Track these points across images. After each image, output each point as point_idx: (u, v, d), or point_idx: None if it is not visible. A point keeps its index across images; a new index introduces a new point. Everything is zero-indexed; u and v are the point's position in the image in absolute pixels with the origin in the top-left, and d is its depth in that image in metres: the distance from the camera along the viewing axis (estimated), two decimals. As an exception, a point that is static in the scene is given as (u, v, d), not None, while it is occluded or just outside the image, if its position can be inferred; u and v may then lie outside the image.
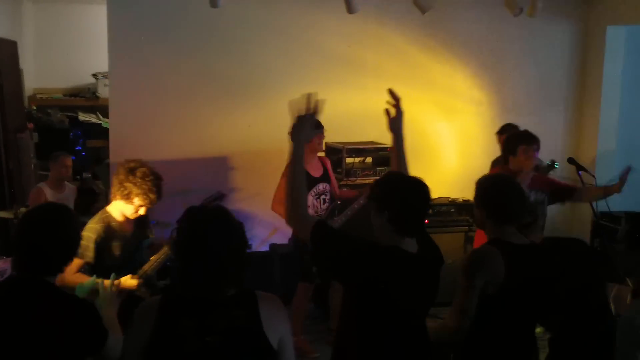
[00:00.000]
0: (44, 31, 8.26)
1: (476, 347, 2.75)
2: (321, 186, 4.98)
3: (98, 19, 6.63)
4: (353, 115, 6.13)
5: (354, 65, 6.17)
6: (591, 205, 4.77)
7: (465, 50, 6.43)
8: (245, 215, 5.84)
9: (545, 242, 3.25)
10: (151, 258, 3.70)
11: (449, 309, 2.75)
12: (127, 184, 3.53)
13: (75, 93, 8.34)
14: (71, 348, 2.25)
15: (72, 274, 3.47)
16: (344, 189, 5.42)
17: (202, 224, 2.10)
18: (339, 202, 5.08)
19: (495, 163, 5.30)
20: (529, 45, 6.63)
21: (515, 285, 2.68)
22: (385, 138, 6.09)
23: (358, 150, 5.92)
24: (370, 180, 5.26)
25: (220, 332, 2.03)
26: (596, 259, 3.52)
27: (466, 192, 4.88)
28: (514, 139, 4.40)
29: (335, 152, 5.75)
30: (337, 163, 5.66)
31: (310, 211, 4.92)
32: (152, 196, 3.56)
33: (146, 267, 3.66)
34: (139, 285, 3.59)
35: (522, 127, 5.05)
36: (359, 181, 5.67)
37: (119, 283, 3.49)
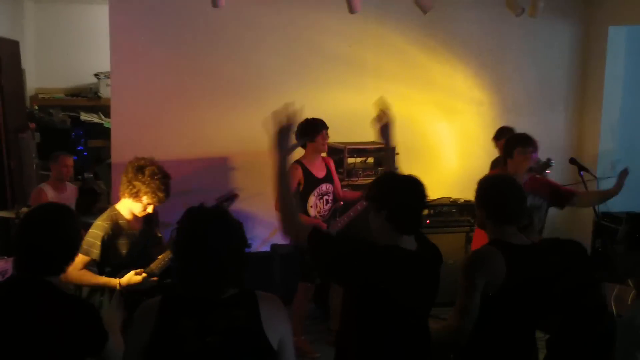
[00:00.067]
0: (46, 31, 8.28)
1: (476, 348, 2.75)
2: (324, 187, 4.97)
3: (100, 18, 6.64)
4: (354, 115, 6.12)
5: (355, 65, 6.17)
6: (602, 204, 4.76)
7: (466, 51, 6.43)
8: (246, 216, 5.84)
9: (542, 242, 3.25)
10: (159, 257, 3.70)
11: (450, 309, 2.75)
12: (136, 182, 3.53)
13: (77, 93, 8.35)
14: (71, 348, 2.26)
15: (78, 270, 3.48)
16: (346, 189, 5.42)
17: (202, 224, 2.11)
18: (342, 203, 5.07)
19: (494, 164, 5.30)
20: (529, 45, 6.63)
21: (516, 285, 2.69)
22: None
23: (359, 150, 5.91)
24: (372, 180, 5.26)
25: (220, 332, 2.03)
26: (594, 259, 3.53)
27: (467, 193, 4.87)
28: (511, 142, 4.42)
29: (337, 152, 5.74)
30: (339, 163, 5.65)
31: (313, 212, 4.92)
32: (160, 194, 3.57)
33: (153, 265, 3.67)
34: (144, 280, 3.57)
35: (523, 128, 5.03)
36: (361, 181, 5.66)
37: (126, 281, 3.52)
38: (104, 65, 6.83)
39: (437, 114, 6.48)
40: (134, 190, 3.55)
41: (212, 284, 2.08)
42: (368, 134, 6.22)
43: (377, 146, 6.03)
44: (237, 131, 5.96)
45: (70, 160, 5.70)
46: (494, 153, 5.53)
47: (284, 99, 5.65)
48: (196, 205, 2.19)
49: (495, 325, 2.72)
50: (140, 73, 5.75)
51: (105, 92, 7.81)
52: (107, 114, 7.16)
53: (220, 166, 6.01)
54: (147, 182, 3.53)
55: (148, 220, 3.77)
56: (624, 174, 4.38)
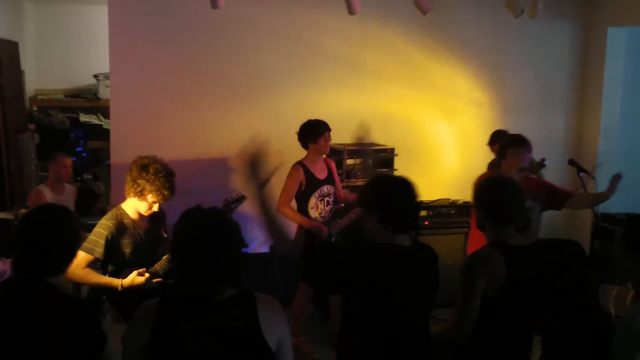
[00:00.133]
0: (45, 32, 8.28)
1: (475, 348, 2.75)
2: (325, 188, 4.97)
3: (99, 19, 6.64)
4: (353, 116, 6.13)
5: (355, 66, 6.17)
6: (595, 206, 4.77)
7: (466, 52, 6.43)
8: (246, 216, 5.84)
9: (538, 243, 3.26)
10: (163, 257, 3.70)
11: (450, 310, 2.76)
12: (140, 181, 3.53)
13: (76, 94, 8.35)
14: (70, 349, 2.25)
15: (81, 269, 3.48)
16: (345, 190, 5.42)
17: (199, 225, 2.11)
18: (343, 205, 5.07)
19: (491, 166, 5.30)
20: (529, 46, 6.63)
21: (516, 286, 2.69)
22: (384, 139, 6.15)
23: (359, 151, 5.92)
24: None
25: (219, 334, 2.03)
26: (593, 260, 3.53)
27: (466, 194, 4.87)
28: (503, 143, 4.43)
29: (336, 154, 5.74)
30: (338, 164, 5.65)
31: (314, 213, 4.92)
32: (165, 192, 3.56)
33: (157, 265, 3.66)
34: (147, 281, 3.56)
35: (522, 129, 5.03)
36: (360, 182, 5.66)
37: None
38: (103, 67, 6.83)
39: (436, 114, 6.48)
40: (139, 188, 3.55)
41: (210, 285, 2.08)
42: (367, 135, 6.26)
43: (377, 147, 6.04)
44: (236, 132, 5.96)
45: (68, 161, 5.70)
46: (492, 155, 5.53)
47: (284, 100, 5.70)
48: (193, 206, 2.19)
49: (495, 326, 2.72)
50: (139, 74, 5.74)
51: (104, 93, 7.81)
52: (107, 115, 7.16)
53: (220, 167, 6.00)
54: (151, 180, 3.52)
55: (154, 220, 3.76)
56: (616, 178, 4.38)
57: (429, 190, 6.06)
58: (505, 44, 6.56)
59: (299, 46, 6.04)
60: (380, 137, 6.17)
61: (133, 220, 3.66)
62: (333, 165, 5.15)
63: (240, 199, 3.96)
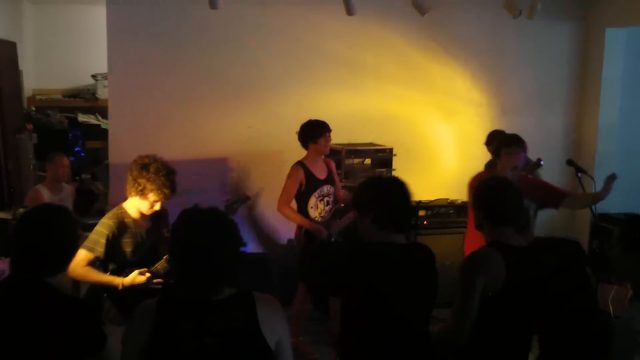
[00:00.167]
0: (44, 32, 8.27)
1: (475, 348, 2.75)
2: (326, 188, 4.97)
3: (97, 19, 6.63)
4: (353, 116, 6.13)
5: (354, 67, 6.18)
6: (590, 207, 4.77)
7: (465, 52, 6.43)
8: (245, 216, 5.85)
9: (537, 242, 3.25)
10: (164, 257, 3.69)
11: (448, 310, 2.76)
12: (141, 180, 3.53)
13: (75, 94, 8.34)
14: (69, 349, 2.24)
15: (82, 267, 3.49)
16: (344, 190, 5.42)
17: (197, 225, 2.11)
18: (342, 205, 5.07)
19: (487, 166, 5.30)
20: (528, 47, 6.63)
21: (515, 287, 2.69)
22: (384, 139, 6.15)
23: (357, 151, 5.92)
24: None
25: (218, 334, 2.03)
26: (592, 260, 3.53)
27: (465, 194, 4.88)
28: (498, 143, 4.43)
29: (335, 154, 5.74)
30: (337, 164, 5.65)
31: (314, 213, 4.92)
32: (166, 191, 3.56)
33: (158, 265, 3.64)
34: (147, 281, 3.56)
35: (521, 129, 5.03)
36: (358, 183, 5.65)
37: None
38: (102, 67, 6.82)
39: (436, 115, 6.49)
40: (140, 187, 3.54)
41: (209, 285, 2.08)
42: (366, 135, 6.26)
43: (375, 147, 6.05)
44: (236, 132, 5.97)
45: (66, 161, 5.69)
46: (490, 155, 5.53)
47: (284, 100, 5.70)
48: (190, 206, 2.19)
49: (495, 326, 2.72)
50: (137, 74, 5.74)
51: (102, 93, 7.80)
52: (105, 115, 7.15)
53: (219, 167, 6.00)
54: (152, 179, 3.52)
55: (156, 220, 3.75)
56: (611, 178, 4.37)
57: (427, 190, 6.08)
58: (505, 44, 6.57)
59: (299, 47, 6.05)
60: (380, 138, 6.17)
61: (134, 220, 3.66)
62: (333, 165, 5.15)
63: (243, 199, 3.95)
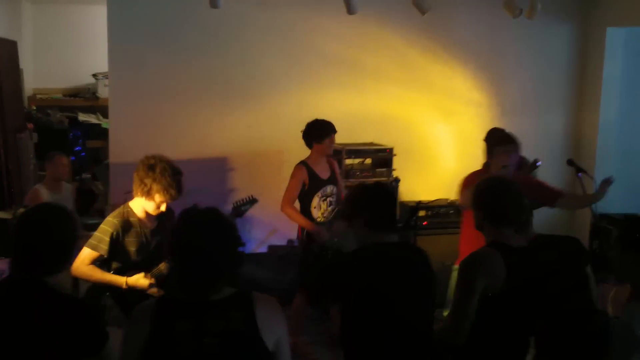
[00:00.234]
0: (44, 31, 8.28)
1: (474, 348, 2.76)
2: (329, 188, 4.95)
3: (98, 19, 6.64)
4: (353, 116, 6.13)
5: (354, 67, 6.18)
6: (590, 207, 4.77)
7: (464, 52, 6.43)
8: (244, 217, 5.84)
9: (537, 239, 3.24)
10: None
11: (447, 310, 2.76)
12: (147, 180, 3.52)
13: (75, 93, 8.35)
14: (68, 349, 2.25)
15: (86, 265, 3.48)
16: (345, 190, 5.42)
17: (195, 226, 2.11)
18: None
19: (485, 165, 5.29)
20: (528, 47, 6.63)
21: (515, 287, 2.69)
22: (384, 139, 6.15)
23: (357, 151, 5.92)
24: (369, 181, 5.26)
25: (217, 334, 2.03)
26: (593, 260, 3.52)
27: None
28: (491, 142, 4.42)
29: (335, 153, 5.73)
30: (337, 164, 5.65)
31: (317, 213, 4.91)
32: (172, 191, 3.54)
33: (162, 266, 3.62)
34: (150, 285, 3.55)
35: (521, 129, 5.01)
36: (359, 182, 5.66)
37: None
38: (102, 66, 6.83)
39: (435, 115, 6.49)
40: (146, 188, 3.53)
41: (208, 285, 2.08)
42: (366, 135, 6.26)
43: (375, 147, 6.05)
44: (236, 132, 5.97)
45: (65, 160, 5.69)
46: (491, 155, 5.52)
47: (284, 100, 5.69)
48: (189, 206, 2.19)
49: (494, 326, 2.72)
50: (138, 73, 5.74)
51: (103, 92, 7.81)
52: (105, 115, 7.16)
53: (219, 167, 6.00)
54: (158, 180, 3.51)
55: (162, 220, 3.73)
56: (606, 182, 4.36)
57: (427, 190, 6.09)
58: (504, 44, 6.56)
59: (299, 47, 6.05)
60: (380, 138, 6.17)
61: (140, 219, 3.64)
62: (336, 165, 5.14)
63: (251, 201, 3.92)
